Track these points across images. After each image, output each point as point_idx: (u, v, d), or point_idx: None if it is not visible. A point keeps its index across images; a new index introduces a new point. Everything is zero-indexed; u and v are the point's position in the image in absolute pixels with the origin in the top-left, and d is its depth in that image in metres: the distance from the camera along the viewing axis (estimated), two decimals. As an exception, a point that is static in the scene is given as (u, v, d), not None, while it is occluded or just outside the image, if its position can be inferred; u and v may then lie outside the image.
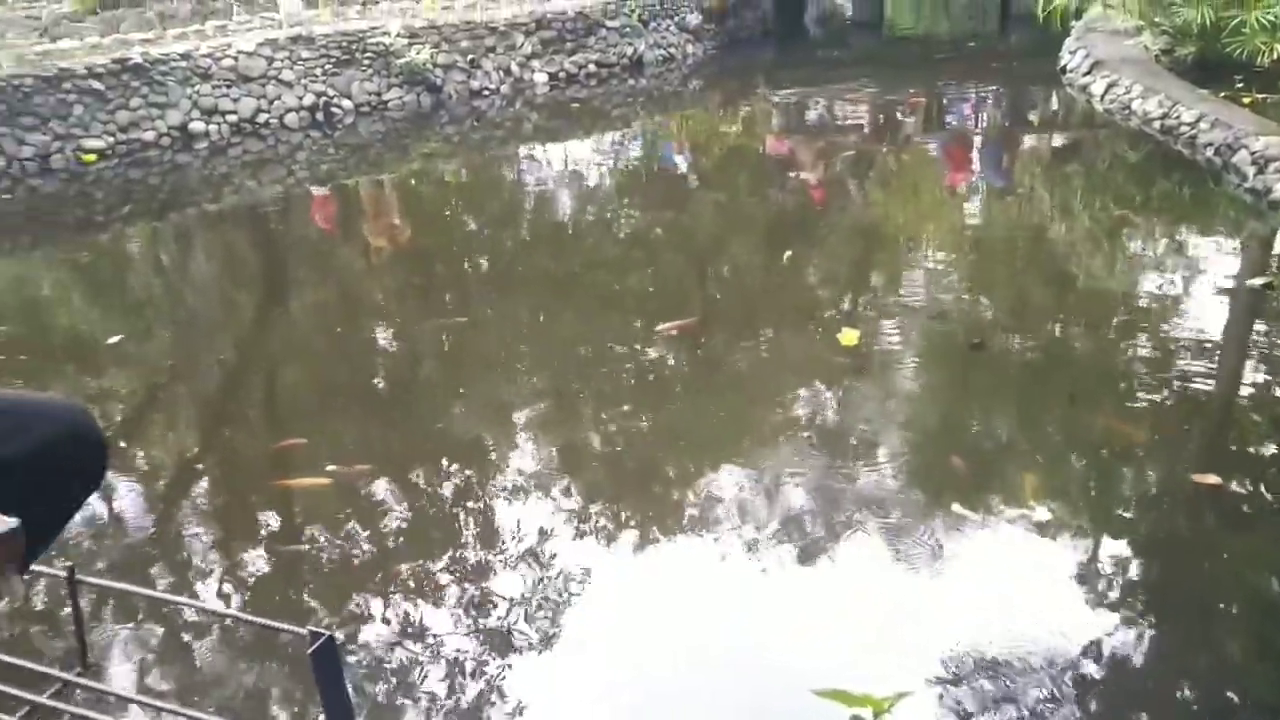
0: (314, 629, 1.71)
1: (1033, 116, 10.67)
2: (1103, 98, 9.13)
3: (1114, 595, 3.04)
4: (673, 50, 13.05)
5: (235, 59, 10.15)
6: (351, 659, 2.84)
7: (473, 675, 2.87)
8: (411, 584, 3.25)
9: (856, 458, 3.88)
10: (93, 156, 9.17)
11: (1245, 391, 4.31)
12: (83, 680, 2.05)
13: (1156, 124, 8.00)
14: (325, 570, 3.40)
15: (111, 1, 12.72)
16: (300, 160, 9.59)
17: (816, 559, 3.33)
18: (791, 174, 8.61)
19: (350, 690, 2.33)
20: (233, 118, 10.06)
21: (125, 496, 3.82)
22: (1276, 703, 2.66)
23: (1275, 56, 8.16)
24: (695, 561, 3.35)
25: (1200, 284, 5.43)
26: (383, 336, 5.55)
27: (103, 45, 10.13)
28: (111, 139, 9.39)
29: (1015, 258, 6.26)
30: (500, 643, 2.97)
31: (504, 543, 3.46)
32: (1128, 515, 3.47)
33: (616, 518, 3.61)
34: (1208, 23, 8.55)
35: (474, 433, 4.34)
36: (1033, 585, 3.11)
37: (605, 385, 4.66)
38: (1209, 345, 4.65)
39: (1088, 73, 9.74)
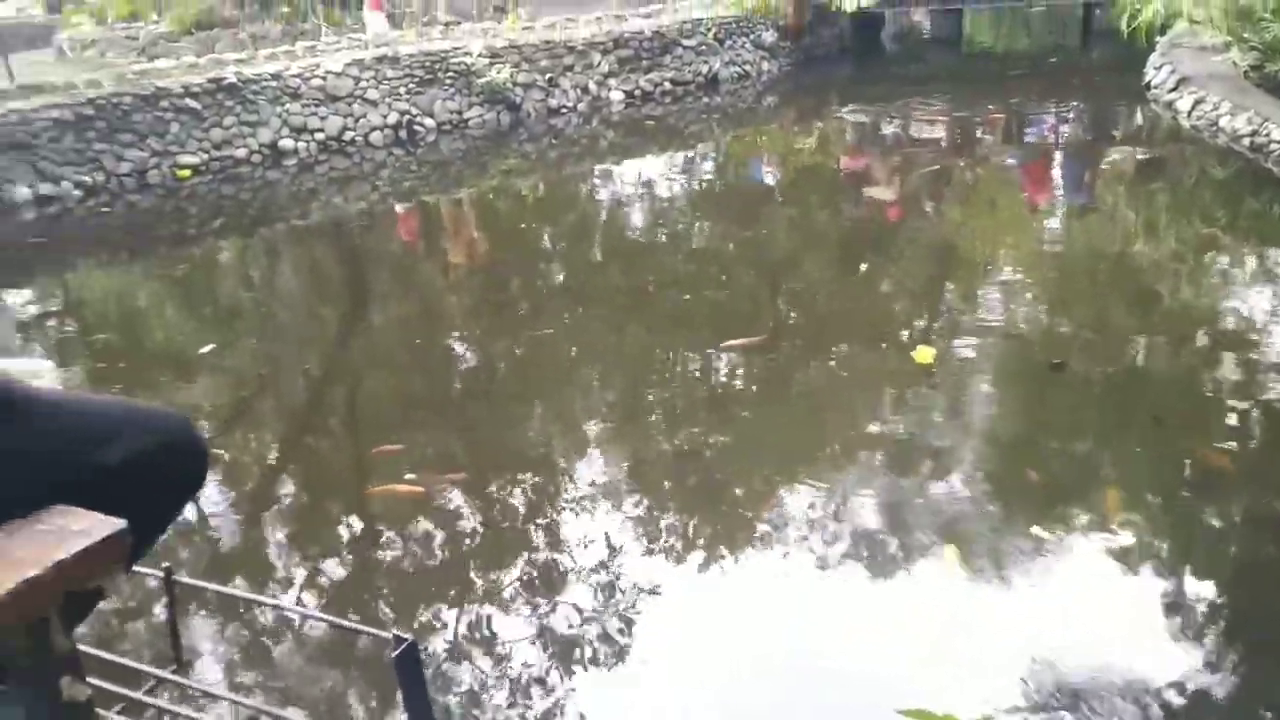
0: (397, 633, 1.78)
1: (1116, 133, 10.46)
2: (1189, 114, 8.93)
3: (1197, 624, 2.98)
4: (748, 68, 13.08)
5: (324, 79, 10.46)
6: (432, 664, 2.91)
7: (544, 685, 2.92)
8: (488, 592, 3.32)
9: (931, 476, 3.85)
10: (187, 172, 9.52)
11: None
12: (176, 678, 2.14)
13: (1245, 141, 7.80)
14: (408, 575, 3.49)
15: (207, 22, 13.19)
16: (384, 177, 9.83)
17: (891, 576, 3.32)
18: (866, 191, 8.57)
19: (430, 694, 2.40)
20: (320, 135, 10.36)
21: (219, 501, 3.96)
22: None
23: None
24: (766, 576, 3.36)
25: (1291, 306, 5.29)
26: (462, 348, 5.66)
27: (198, 65, 10.51)
28: (205, 155, 9.73)
29: (1097, 276, 6.15)
30: (572, 654, 3.02)
31: (578, 554, 3.51)
32: (1213, 542, 3.40)
33: (688, 532, 3.64)
34: (1300, 38, 8.33)
35: (549, 444, 4.41)
36: (1113, 610, 3.06)
37: (679, 399, 4.70)
38: (1299, 369, 4.53)
39: (1174, 89, 9.53)
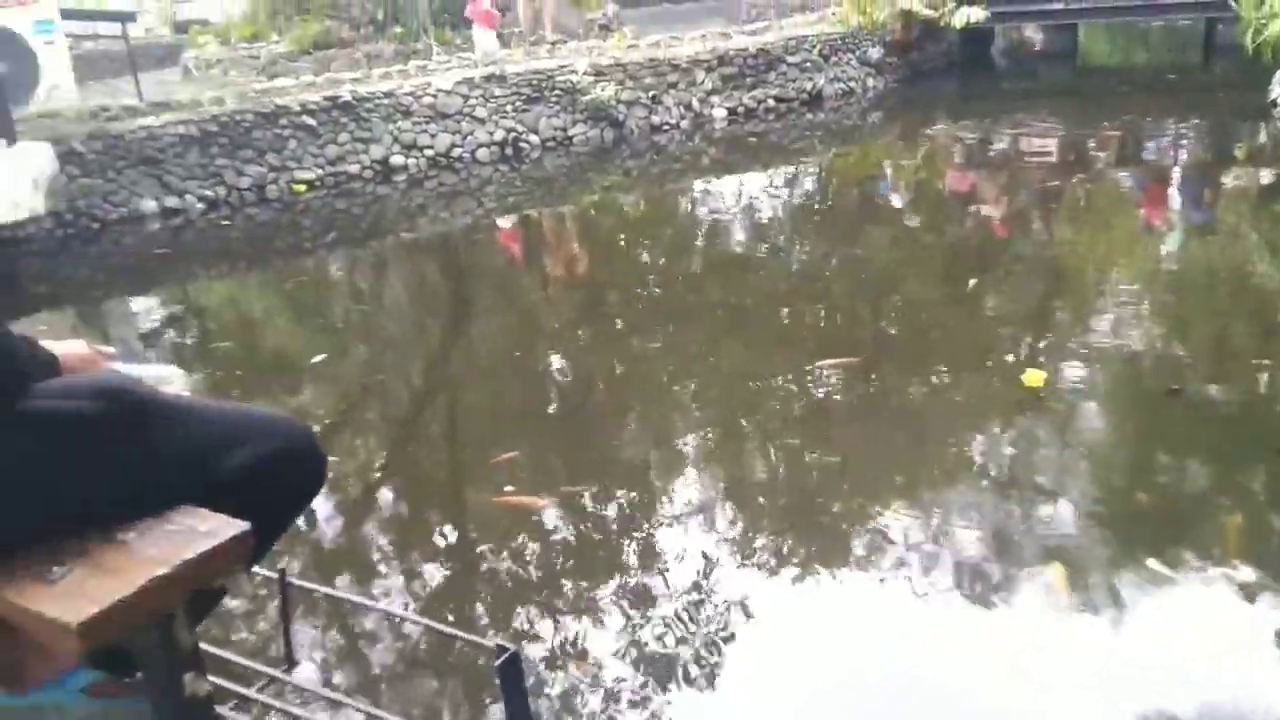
0: (500, 643, 1.81)
1: (1238, 152, 10.06)
2: (1319, 132, 8.53)
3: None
4: (853, 84, 12.97)
5: (434, 97, 10.73)
6: (530, 673, 2.94)
7: (638, 698, 2.92)
8: (585, 604, 3.35)
9: (1036, 501, 3.75)
10: (303, 187, 9.86)
11: None
12: (288, 677, 2.22)
13: (1381, 160, 7.42)
14: (510, 584, 3.53)
15: (324, 43, 13.67)
16: (489, 193, 10.02)
17: (991, 599, 3.24)
18: (974, 208, 8.40)
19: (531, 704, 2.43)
20: (430, 152, 10.62)
21: (327, 505, 4.08)
22: None
23: None
24: (861, 596, 3.32)
25: None
26: (562, 362, 5.72)
27: (316, 84, 10.89)
28: (320, 171, 10.07)
29: (1217, 299, 5.91)
30: (665, 668, 3.02)
31: (675, 569, 3.51)
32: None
33: (783, 550, 3.61)
34: None
35: (648, 460, 4.43)
36: (1229, 648, 2.93)
37: (776, 418, 4.67)
38: None
39: (1302, 106, 9.13)
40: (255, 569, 1.80)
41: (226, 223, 9.18)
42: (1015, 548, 3.50)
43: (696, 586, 3.41)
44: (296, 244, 8.85)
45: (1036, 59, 16.20)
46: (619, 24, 14.62)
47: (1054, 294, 6.29)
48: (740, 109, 12.10)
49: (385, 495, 4.38)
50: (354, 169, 10.25)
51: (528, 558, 3.69)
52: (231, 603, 3.29)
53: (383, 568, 3.77)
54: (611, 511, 3.97)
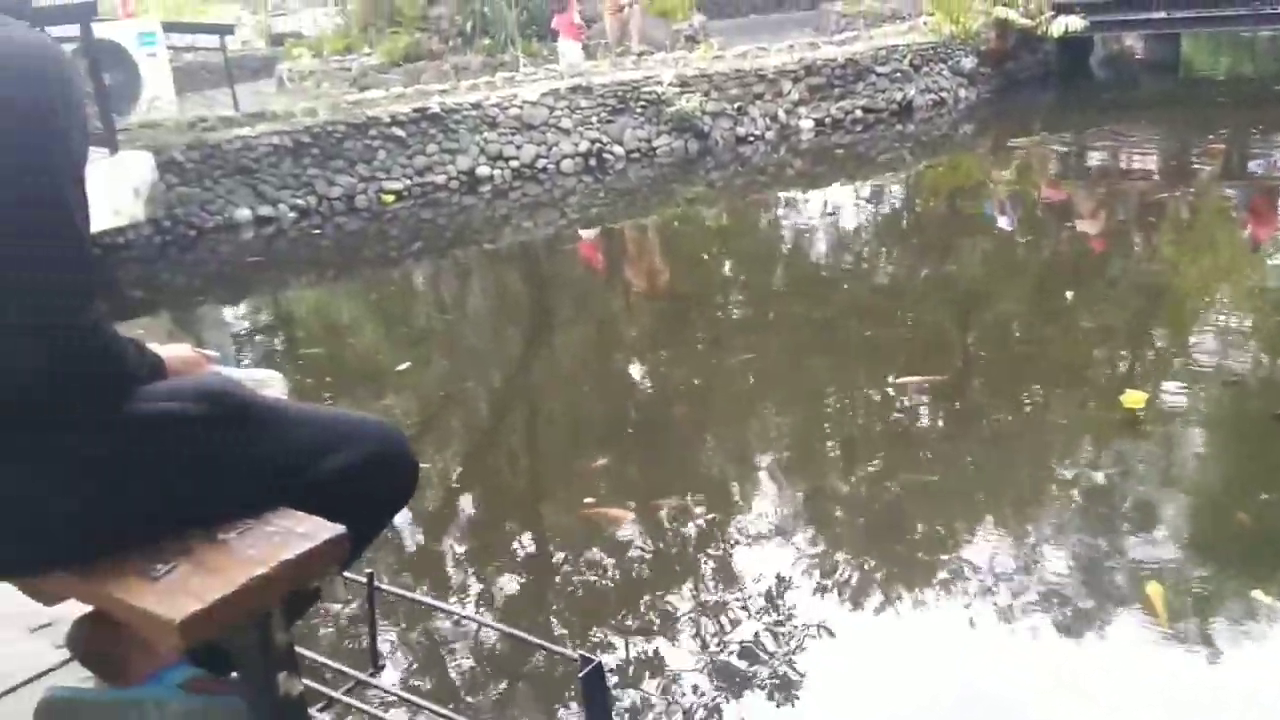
0: (584, 654, 1.80)
1: (1353, 166, 9.63)
2: None
3: None
4: (944, 94, 12.75)
5: (520, 108, 10.84)
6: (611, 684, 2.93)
7: (714, 714, 2.89)
8: (664, 618, 3.32)
9: (1132, 528, 3.62)
10: (391, 198, 10.04)
11: None
12: (374, 681, 2.23)
13: None
14: (592, 595, 3.53)
15: (414, 55, 13.92)
16: (572, 204, 10.07)
17: (1083, 627, 3.13)
18: (1070, 223, 8.18)
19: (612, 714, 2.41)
20: (515, 163, 10.73)
21: (413, 511, 4.12)
22: None
23: None
24: (944, 620, 3.23)
25: None
26: (642, 375, 5.71)
27: (405, 95, 11.08)
28: (408, 181, 10.24)
29: (1329, 321, 5.66)
30: (742, 685, 2.98)
31: (754, 588, 3.47)
32: None
33: (865, 571, 3.53)
34: None
35: (726, 475, 4.40)
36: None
37: (859, 436, 4.59)
38: None
39: None
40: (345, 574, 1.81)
41: (317, 231, 9.39)
42: (1110, 576, 3.38)
43: (774, 605, 3.36)
44: (384, 253, 9.00)
45: (1137, 69, 15.74)
46: (705, 35, 14.60)
47: (1154, 312, 6.09)
48: (827, 120, 11.99)
49: (466, 502, 4.41)
50: (440, 179, 10.40)
51: (607, 568, 3.68)
52: (319, 606, 3.34)
53: (462, 573, 3.79)
54: (690, 526, 3.93)
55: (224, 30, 13.04)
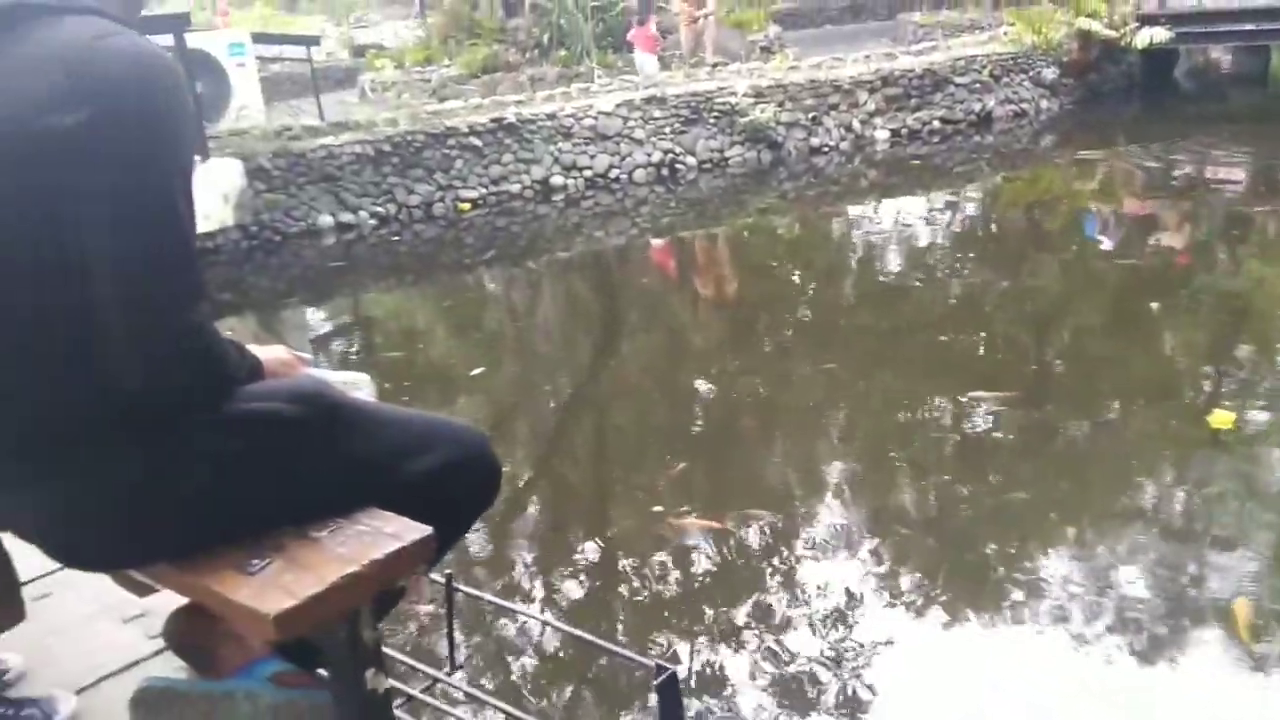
0: (660, 662, 1.81)
1: None
2: None
3: None
4: (1025, 105, 12.55)
5: (594, 118, 10.93)
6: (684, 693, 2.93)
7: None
8: (733, 630, 3.32)
9: (1215, 550, 3.52)
10: (467, 206, 10.19)
11: None
12: (452, 681, 2.27)
13: None
14: (659, 603, 3.54)
15: (492, 66, 14.12)
16: (644, 214, 10.12)
17: (1160, 652, 3.06)
18: (1152, 238, 7.99)
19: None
20: (588, 173, 10.82)
21: (489, 514, 4.17)
22: None
23: None
24: (1014, 639, 3.18)
25: None
26: (711, 385, 5.70)
27: (483, 106, 11.26)
28: (484, 190, 10.39)
29: None
30: (809, 699, 2.96)
31: (822, 603, 3.45)
32: None
33: (933, 588, 3.49)
34: None
35: (794, 488, 4.38)
36: None
37: (929, 451, 4.53)
38: None
39: None
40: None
41: (396, 238, 9.56)
42: (1192, 601, 3.29)
43: (842, 619, 3.34)
44: (459, 260, 9.14)
45: (1224, 82, 15.30)
46: (781, 45, 14.58)
47: (1241, 330, 5.91)
48: (904, 131, 11.87)
49: (537, 506, 4.45)
50: (515, 188, 10.53)
51: (674, 576, 3.68)
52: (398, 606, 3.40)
53: (531, 576, 3.83)
54: (758, 537, 3.92)
55: (310, 41, 13.36)
